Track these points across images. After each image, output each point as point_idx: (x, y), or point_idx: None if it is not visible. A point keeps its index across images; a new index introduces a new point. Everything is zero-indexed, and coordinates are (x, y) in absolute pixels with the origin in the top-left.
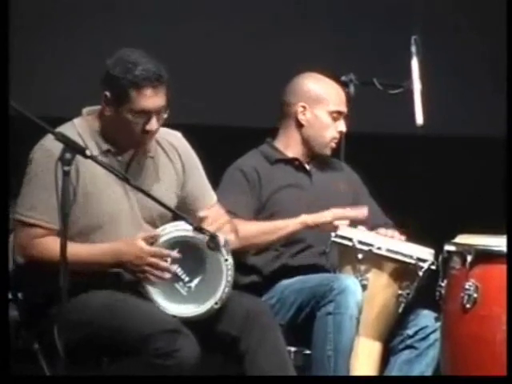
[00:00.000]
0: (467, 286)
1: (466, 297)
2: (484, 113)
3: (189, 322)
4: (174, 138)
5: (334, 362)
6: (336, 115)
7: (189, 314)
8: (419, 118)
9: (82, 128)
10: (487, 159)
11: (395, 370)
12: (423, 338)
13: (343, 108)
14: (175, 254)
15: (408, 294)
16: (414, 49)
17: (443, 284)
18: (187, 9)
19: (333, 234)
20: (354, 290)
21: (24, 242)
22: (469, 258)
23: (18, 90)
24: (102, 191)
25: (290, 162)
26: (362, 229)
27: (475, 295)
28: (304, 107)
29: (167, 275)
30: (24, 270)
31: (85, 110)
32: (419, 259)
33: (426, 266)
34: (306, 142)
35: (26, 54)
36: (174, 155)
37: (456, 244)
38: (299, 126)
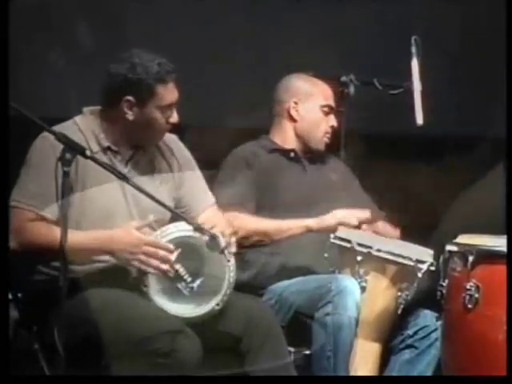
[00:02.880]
0: (468, 287)
1: (467, 297)
2: (484, 113)
3: (189, 322)
4: (170, 140)
5: (333, 363)
6: (327, 109)
7: (189, 315)
8: (419, 118)
9: (83, 125)
10: (487, 159)
11: (396, 369)
12: (424, 337)
13: (332, 103)
14: (171, 246)
15: (407, 295)
16: (414, 49)
17: (444, 284)
18: (185, 9)
19: (332, 236)
20: (352, 290)
21: (16, 226)
22: (470, 259)
23: (17, 90)
24: (98, 188)
25: (287, 152)
26: (364, 229)
27: (476, 295)
28: (296, 103)
29: (165, 266)
30: (18, 258)
31: (86, 109)
32: (418, 261)
33: (425, 267)
34: (300, 137)
35: (26, 54)
36: (170, 157)
37: (457, 244)
38: (292, 121)
